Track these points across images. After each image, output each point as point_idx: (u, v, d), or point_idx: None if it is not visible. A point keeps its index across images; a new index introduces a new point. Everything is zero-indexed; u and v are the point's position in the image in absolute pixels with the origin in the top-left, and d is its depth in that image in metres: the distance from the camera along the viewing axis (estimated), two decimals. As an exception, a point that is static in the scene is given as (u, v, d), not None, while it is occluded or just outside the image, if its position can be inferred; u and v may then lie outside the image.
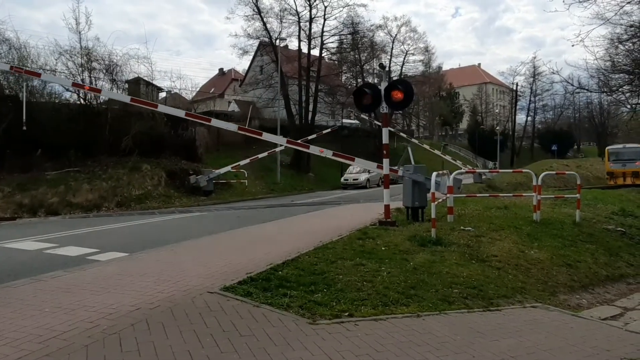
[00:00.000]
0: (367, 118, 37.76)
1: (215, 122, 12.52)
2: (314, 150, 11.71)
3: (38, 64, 20.48)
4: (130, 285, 5.10)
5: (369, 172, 30.06)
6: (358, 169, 30.74)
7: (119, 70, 22.18)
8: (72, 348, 3.36)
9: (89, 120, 20.00)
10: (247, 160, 23.03)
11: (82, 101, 21.30)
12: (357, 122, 46.34)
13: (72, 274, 5.83)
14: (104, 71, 21.93)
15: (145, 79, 24.43)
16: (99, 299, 4.57)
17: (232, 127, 12.11)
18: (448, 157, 34.05)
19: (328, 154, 11.17)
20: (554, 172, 19.72)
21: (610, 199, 13.92)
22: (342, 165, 33.64)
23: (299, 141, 12.55)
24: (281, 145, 23.84)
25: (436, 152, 34.07)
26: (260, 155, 23.29)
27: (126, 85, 23.78)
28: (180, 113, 12.83)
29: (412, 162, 29.49)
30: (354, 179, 29.80)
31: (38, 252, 7.84)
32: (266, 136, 11.79)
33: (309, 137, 26.61)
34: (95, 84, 21.69)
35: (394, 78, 42.55)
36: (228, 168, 22.09)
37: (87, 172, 18.31)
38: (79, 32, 21.18)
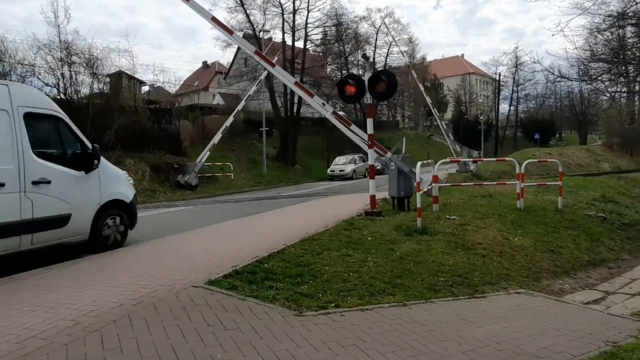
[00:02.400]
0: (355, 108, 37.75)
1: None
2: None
3: (16, 59, 19.96)
4: (113, 282, 5.00)
5: (355, 163, 30.17)
6: (344, 160, 30.86)
7: (99, 64, 21.77)
8: (52, 347, 3.28)
9: (70, 116, 19.37)
10: (219, 135, 23.11)
11: (62, 96, 20.82)
12: (343, 113, 46.27)
13: (52, 271, 5.70)
14: (85, 65, 21.49)
15: (127, 72, 24.00)
16: (80, 296, 4.47)
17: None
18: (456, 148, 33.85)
19: (329, 109, 10.79)
20: (537, 160, 20.00)
21: (592, 186, 14.16)
22: (329, 156, 33.69)
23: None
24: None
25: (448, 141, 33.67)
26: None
27: (107, 80, 23.33)
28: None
29: (403, 153, 29.57)
30: (340, 170, 29.96)
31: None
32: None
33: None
34: (75, 79, 21.24)
35: (379, 69, 42.57)
36: (207, 152, 21.93)
37: (68, 168, 17.94)
38: (58, 26, 20.65)
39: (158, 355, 3.17)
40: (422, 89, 36.57)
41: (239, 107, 25.78)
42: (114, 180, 7.49)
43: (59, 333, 3.53)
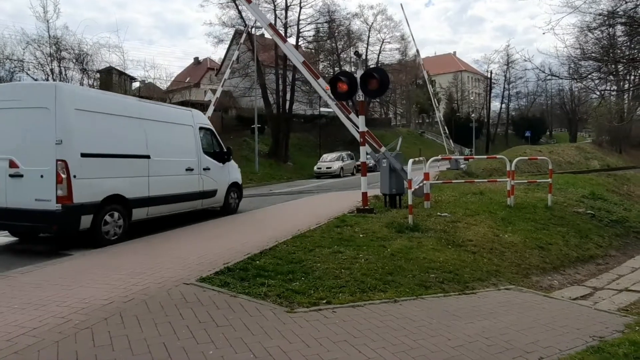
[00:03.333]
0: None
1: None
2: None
3: (5, 54, 19.71)
4: (104, 279, 4.99)
5: (342, 160, 29.74)
6: (332, 158, 30.24)
7: (89, 60, 21.61)
8: (42, 344, 3.26)
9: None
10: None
11: (51, 92, 20.60)
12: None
13: (42, 268, 5.66)
14: (74, 61, 21.33)
15: (118, 68, 23.86)
16: (71, 294, 4.45)
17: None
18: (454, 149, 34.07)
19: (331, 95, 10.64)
20: (527, 158, 20.17)
21: (581, 183, 14.33)
22: (321, 153, 33.64)
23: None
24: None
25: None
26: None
27: (98, 75, 23.13)
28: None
29: (397, 150, 29.64)
30: (327, 168, 29.12)
31: (5, 247, 7.58)
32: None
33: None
34: (65, 74, 21.04)
35: (371, 66, 42.56)
36: None
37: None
38: (47, 21, 20.49)
39: (149, 352, 3.17)
40: (429, 87, 36.52)
41: (225, 76, 24.67)
42: (234, 170, 10.98)
43: (50, 330, 3.51)
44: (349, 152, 31.39)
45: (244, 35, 26.63)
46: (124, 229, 7.50)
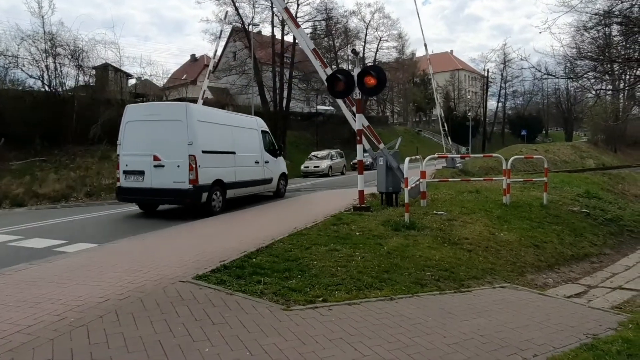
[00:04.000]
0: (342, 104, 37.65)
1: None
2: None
3: (-1, 50, 19.58)
4: (99, 277, 4.97)
5: (331, 158, 28.42)
6: (320, 156, 28.80)
7: (85, 56, 21.47)
8: (37, 342, 3.25)
9: (54, 109, 19.30)
10: None
11: (47, 89, 20.50)
12: (332, 108, 46.22)
13: (38, 266, 5.64)
14: (70, 57, 21.18)
15: (114, 65, 23.71)
16: (66, 292, 4.44)
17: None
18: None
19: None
20: (523, 157, 20.21)
21: (576, 182, 14.38)
22: (317, 150, 33.48)
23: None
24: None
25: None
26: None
27: (93, 72, 23.00)
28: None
29: (396, 149, 29.37)
30: (315, 167, 27.43)
31: (1, 245, 7.55)
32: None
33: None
34: (60, 71, 20.92)
35: (369, 64, 42.59)
36: None
37: (53, 162, 17.74)
38: (42, 17, 20.33)
39: (145, 350, 3.17)
40: (433, 82, 36.39)
41: (210, 67, 23.44)
42: (282, 163, 13.90)
43: (45, 328, 3.50)
44: (339, 151, 30.62)
45: (221, 32, 25.93)
46: (222, 204, 10.33)
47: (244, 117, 13.06)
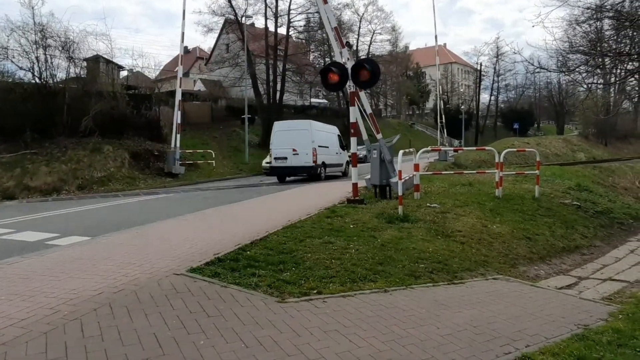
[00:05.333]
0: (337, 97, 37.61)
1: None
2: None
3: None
4: (93, 270, 4.95)
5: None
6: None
7: (76, 48, 21.08)
8: (30, 336, 3.24)
9: (45, 101, 19.01)
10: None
11: (37, 80, 20.18)
12: (326, 101, 46.12)
13: (30, 259, 5.61)
14: (60, 48, 20.79)
15: (105, 56, 23.37)
16: (60, 285, 4.42)
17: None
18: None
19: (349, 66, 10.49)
20: (516, 150, 20.35)
21: (568, 175, 14.51)
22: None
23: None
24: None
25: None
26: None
27: (84, 64, 22.67)
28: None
29: (393, 143, 29.31)
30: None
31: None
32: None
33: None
34: (51, 63, 20.58)
35: (362, 57, 42.41)
36: (176, 135, 20.83)
37: (44, 155, 17.51)
38: (32, 8, 19.90)
39: (140, 343, 3.17)
40: (437, 74, 36.29)
41: (180, 52, 22.60)
42: (345, 154, 19.49)
43: (38, 322, 3.49)
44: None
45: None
46: (324, 176, 17.83)
47: (331, 127, 20.26)
